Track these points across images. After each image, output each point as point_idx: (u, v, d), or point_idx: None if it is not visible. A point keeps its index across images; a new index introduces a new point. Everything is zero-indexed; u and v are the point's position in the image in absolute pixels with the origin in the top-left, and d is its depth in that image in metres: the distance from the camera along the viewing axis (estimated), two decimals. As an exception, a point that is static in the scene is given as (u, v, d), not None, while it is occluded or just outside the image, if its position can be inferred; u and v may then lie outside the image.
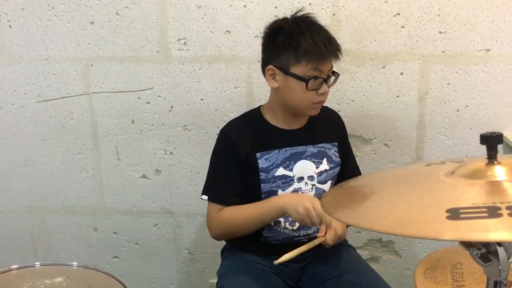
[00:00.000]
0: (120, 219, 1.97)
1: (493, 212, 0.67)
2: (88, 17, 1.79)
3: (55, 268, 1.40)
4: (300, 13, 1.43)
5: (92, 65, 1.83)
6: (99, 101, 1.86)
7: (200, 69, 1.80)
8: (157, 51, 1.80)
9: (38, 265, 1.41)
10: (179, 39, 1.78)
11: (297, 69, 1.35)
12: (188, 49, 1.78)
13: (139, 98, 1.85)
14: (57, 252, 2.02)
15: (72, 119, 1.89)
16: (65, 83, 1.86)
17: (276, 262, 1.31)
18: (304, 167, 1.45)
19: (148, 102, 1.85)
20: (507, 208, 0.67)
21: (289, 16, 1.44)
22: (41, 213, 1.99)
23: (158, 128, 1.87)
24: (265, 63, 1.42)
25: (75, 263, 1.41)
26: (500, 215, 0.66)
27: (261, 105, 1.54)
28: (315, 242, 1.37)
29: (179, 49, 1.79)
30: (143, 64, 1.81)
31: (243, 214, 1.41)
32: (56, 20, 1.80)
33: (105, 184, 1.94)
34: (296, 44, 1.34)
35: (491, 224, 0.65)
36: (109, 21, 1.79)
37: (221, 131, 1.51)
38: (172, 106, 1.84)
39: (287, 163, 1.44)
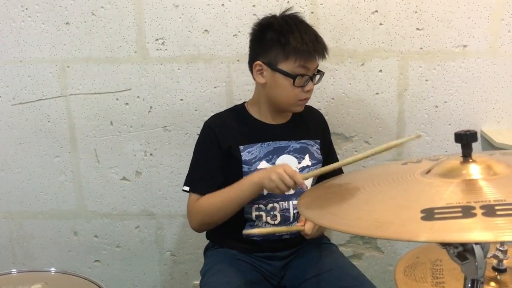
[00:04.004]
0: (100, 222, 1.94)
1: (467, 212, 0.67)
2: (63, 17, 1.76)
3: (32, 275, 1.37)
4: (288, 12, 1.45)
5: (68, 66, 1.80)
6: (76, 103, 1.83)
7: (179, 69, 1.78)
8: (135, 52, 1.77)
9: (15, 272, 1.38)
10: (156, 39, 1.76)
11: (285, 66, 1.37)
12: (166, 49, 1.76)
13: (117, 99, 1.82)
14: (36, 258, 1.99)
15: (49, 121, 1.86)
16: (41, 85, 1.82)
17: (245, 232, 1.34)
18: (287, 162, 1.45)
19: (127, 103, 1.82)
20: (481, 207, 0.67)
21: (277, 14, 1.45)
22: (19, 218, 1.96)
23: (138, 129, 1.84)
24: (252, 59, 1.44)
25: (53, 269, 1.38)
26: (474, 214, 0.66)
27: (245, 101, 1.55)
28: (293, 228, 1.39)
29: (157, 49, 1.77)
30: (120, 65, 1.79)
31: (220, 197, 1.40)
32: (30, 21, 1.77)
33: (84, 187, 1.91)
34: (285, 41, 1.36)
35: (466, 225, 0.65)
36: (85, 22, 1.76)
37: (205, 123, 1.52)
38: (151, 107, 1.82)
39: (270, 156, 1.45)
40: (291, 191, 1.43)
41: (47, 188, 1.92)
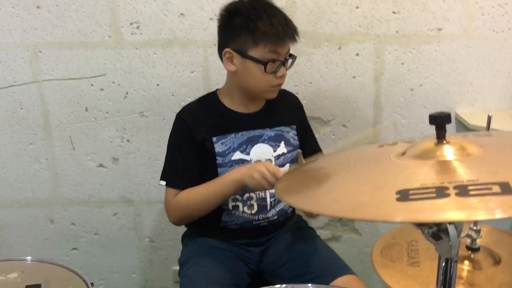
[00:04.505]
0: (77, 209, 1.92)
1: (441, 192, 0.68)
2: (34, 1, 1.71)
3: (8, 264, 1.34)
4: None
5: (40, 51, 1.76)
6: (49, 89, 1.79)
7: (154, 53, 1.75)
8: (109, 36, 1.74)
9: (-10, 261, 1.36)
10: (131, 23, 1.73)
11: (255, 52, 1.33)
12: (141, 33, 1.74)
13: (92, 85, 1.79)
14: (12, 247, 1.96)
15: (21, 108, 1.82)
16: (13, 71, 1.78)
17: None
18: (261, 151, 1.44)
19: (102, 89, 1.79)
20: (455, 187, 0.68)
21: None
22: (-7, 207, 1.92)
23: (114, 116, 1.82)
24: (221, 46, 1.39)
25: (29, 258, 1.36)
26: (448, 195, 0.67)
27: (217, 89, 1.52)
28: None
29: (131, 33, 1.74)
30: (94, 50, 1.75)
31: (200, 194, 1.40)
32: (0, 5, 1.72)
33: (60, 174, 1.88)
34: (253, 26, 1.32)
35: (439, 205, 0.66)
36: (57, 5, 1.71)
37: (177, 115, 1.49)
38: (127, 93, 1.79)
39: (244, 147, 1.43)
40: (273, 190, 1.43)
41: (22, 176, 1.89)
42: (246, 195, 1.44)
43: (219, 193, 1.38)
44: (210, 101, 1.49)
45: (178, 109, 1.54)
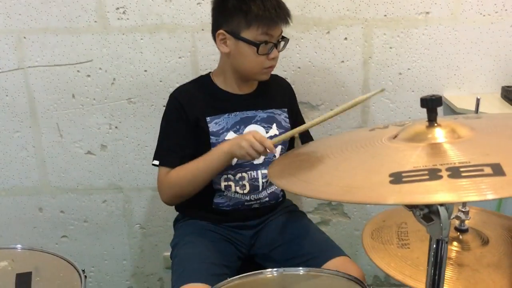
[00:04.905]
0: (66, 197, 1.91)
1: (433, 174, 0.68)
2: (17, -15, 1.67)
3: (-2, 252, 1.34)
4: None
5: (25, 37, 1.73)
6: (35, 75, 1.76)
7: (141, 39, 1.73)
8: (95, 21, 1.71)
9: (-20, 250, 1.35)
10: (117, 8, 1.70)
11: (248, 34, 1.35)
12: (127, 18, 1.71)
13: (78, 71, 1.76)
14: (1, 235, 1.94)
15: (7, 95, 1.79)
16: (-3, 57, 1.75)
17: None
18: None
19: (89, 75, 1.77)
20: (447, 169, 0.69)
21: None
22: (-20, 196, 1.90)
23: (101, 102, 1.80)
24: (215, 28, 1.41)
25: (19, 246, 1.35)
26: (440, 177, 0.68)
27: (210, 72, 1.53)
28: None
29: (118, 19, 1.71)
30: (80, 35, 1.73)
31: (190, 169, 1.40)
32: (-19, -10, 1.68)
33: (47, 162, 1.86)
34: (246, 8, 1.34)
35: (432, 186, 0.67)
36: (40, -10, 1.68)
37: (171, 95, 1.50)
38: (114, 79, 1.77)
39: (237, 127, 1.44)
40: (261, 159, 1.44)
41: (8, 164, 1.86)
42: (239, 174, 1.45)
43: (210, 167, 1.38)
44: (203, 82, 1.50)
45: (166, 95, 1.53)
